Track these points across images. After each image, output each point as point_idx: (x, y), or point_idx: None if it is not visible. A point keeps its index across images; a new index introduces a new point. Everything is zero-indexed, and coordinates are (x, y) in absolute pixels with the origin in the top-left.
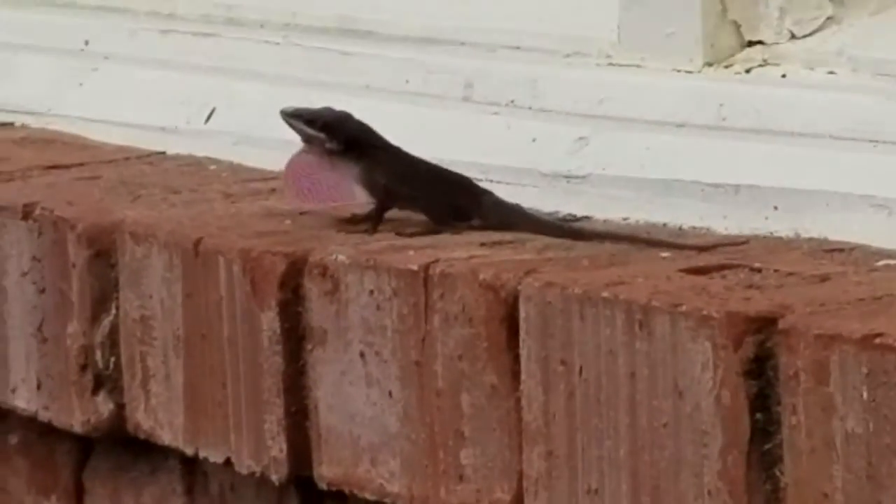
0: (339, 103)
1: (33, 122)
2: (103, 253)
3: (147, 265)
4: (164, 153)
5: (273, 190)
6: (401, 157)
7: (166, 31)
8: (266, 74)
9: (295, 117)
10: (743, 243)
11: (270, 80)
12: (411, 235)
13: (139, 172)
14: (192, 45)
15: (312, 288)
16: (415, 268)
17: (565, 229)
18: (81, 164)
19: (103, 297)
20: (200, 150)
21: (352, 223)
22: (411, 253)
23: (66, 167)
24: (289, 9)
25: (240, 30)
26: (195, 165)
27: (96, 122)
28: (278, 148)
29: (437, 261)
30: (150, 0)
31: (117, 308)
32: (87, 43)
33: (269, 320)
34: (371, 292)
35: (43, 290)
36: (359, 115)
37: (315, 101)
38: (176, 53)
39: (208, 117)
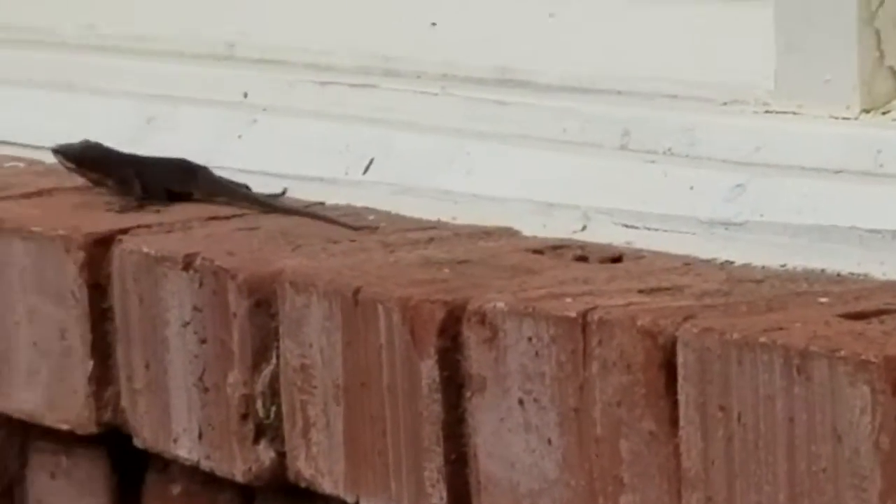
0: (497, 153)
1: None
2: (263, 302)
3: (307, 314)
4: (323, 203)
5: (431, 239)
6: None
7: (324, 83)
8: (423, 125)
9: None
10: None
11: (428, 131)
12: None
13: (298, 222)
14: (349, 96)
15: (471, 336)
16: (573, 314)
17: (260, 201)
18: (241, 215)
19: (264, 347)
20: (359, 201)
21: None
22: (569, 300)
23: (226, 218)
24: (446, 59)
25: (397, 80)
26: (354, 216)
27: (255, 174)
28: (436, 197)
29: (595, 307)
30: (308, 52)
31: (278, 357)
32: (245, 95)
33: (429, 368)
34: (529, 339)
35: (204, 340)
36: (517, 164)
37: (472, 151)
38: (334, 104)
39: (367, 168)
